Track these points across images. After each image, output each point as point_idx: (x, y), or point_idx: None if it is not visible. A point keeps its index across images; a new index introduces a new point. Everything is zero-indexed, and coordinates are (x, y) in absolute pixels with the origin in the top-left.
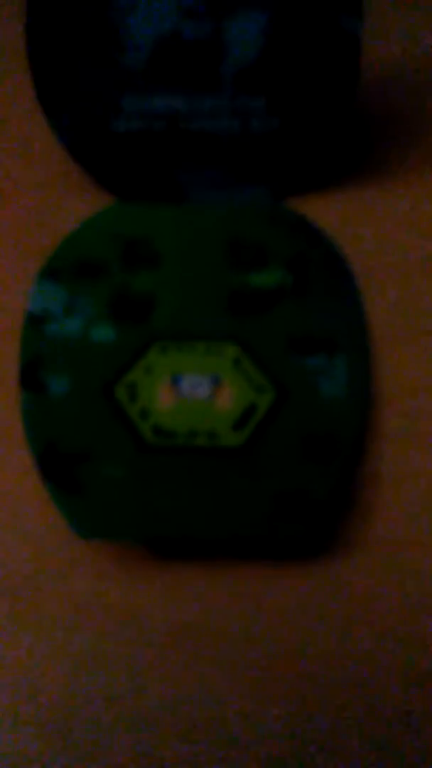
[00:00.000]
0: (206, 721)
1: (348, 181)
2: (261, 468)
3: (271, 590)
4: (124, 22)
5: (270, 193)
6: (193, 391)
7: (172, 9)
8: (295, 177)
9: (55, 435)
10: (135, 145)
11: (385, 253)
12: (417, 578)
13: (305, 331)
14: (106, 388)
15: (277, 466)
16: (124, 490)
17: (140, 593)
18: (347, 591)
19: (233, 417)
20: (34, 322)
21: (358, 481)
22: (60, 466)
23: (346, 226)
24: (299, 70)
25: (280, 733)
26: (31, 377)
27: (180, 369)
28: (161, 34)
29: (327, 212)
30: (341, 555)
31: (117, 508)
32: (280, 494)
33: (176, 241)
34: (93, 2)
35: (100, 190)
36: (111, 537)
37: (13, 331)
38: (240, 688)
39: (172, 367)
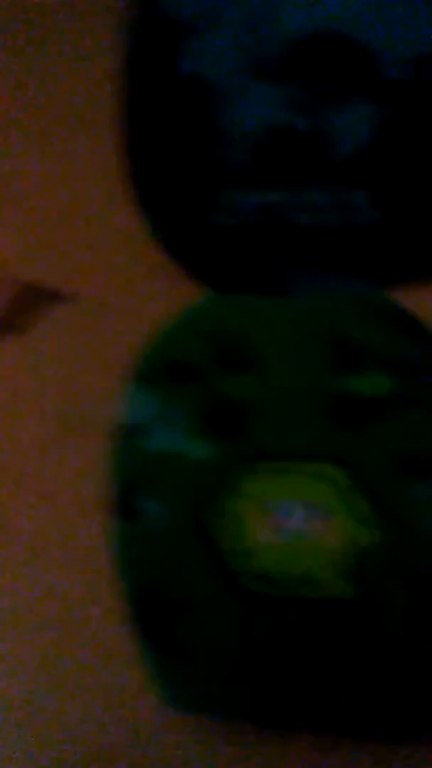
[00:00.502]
0: None
1: None
2: (378, 625)
3: None
4: (224, 114)
5: (374, 287)
6: (292, 522)
7: (275, 101)
8: (400, 272)
9: (155, 578)
10: (232, 239)
11: None
12: None
13: (416, 450)
14: (202, 519)
15: (397, 622)
16: (223, 653)
17: None
18: None
19: (341, 560)
20: (130, 436)
21: None
22: (159, 619)
23: None
24: (407, 163)
25: None
26: (127, 503)
27: (278, 495)
28: (263, 128)
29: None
30: None
31: (214, 678)
32: (403, 656)
33: (275, 338)
34: (193, 94)
35: (195, 285)
36: (213, 713)
37: (98, 444)
38: None
39: (271, 494)
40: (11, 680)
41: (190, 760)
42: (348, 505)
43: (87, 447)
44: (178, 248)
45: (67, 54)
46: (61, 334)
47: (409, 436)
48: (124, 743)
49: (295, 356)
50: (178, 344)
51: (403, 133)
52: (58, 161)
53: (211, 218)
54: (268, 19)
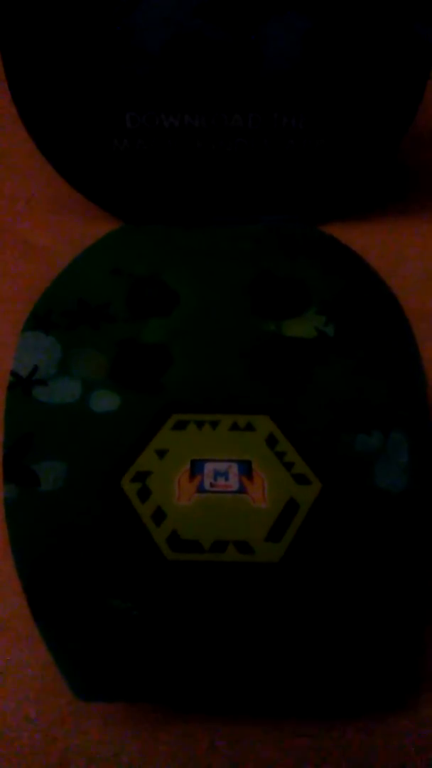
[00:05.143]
0: None
1: (395, 206)
2: (308, 590)
3: (325, 746)
4: (127, 21)
5: (304, 220)
6: (218, 482)
7: (187, 6)
8: (335, 204)
9: (54, 550)
10: (141, 167)
11: None
12: None
13: (353, 399)
14: (111, 480)
15: (328, 585)
16: (135, 632)
17: (154, 754)
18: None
19: (268, 520)
20: (20, 387)
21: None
22: (53, 597)
23: (393, 261)
24: (350, 82)
25: None
26: (17, 465)
27: (201, 452)
28: (174, 37)
29: (369, 244)
30: (419, 702)
31: (125, 660)
32: (336, 625)
33: (192, 276)
34: None
35: (105, 215)
36: (118, 700)
37: None
38: None
39: (192, 450)
40: None
41: (98, 746)
42: (281, 461)
43: None
44: (81, 178)
45: None
46: None
47: (347, 384)
48: (29, 730)
49: (215, 296)
50: (82, 283)
51: (337, 47)
52: None
53: (116, 143)
54: None
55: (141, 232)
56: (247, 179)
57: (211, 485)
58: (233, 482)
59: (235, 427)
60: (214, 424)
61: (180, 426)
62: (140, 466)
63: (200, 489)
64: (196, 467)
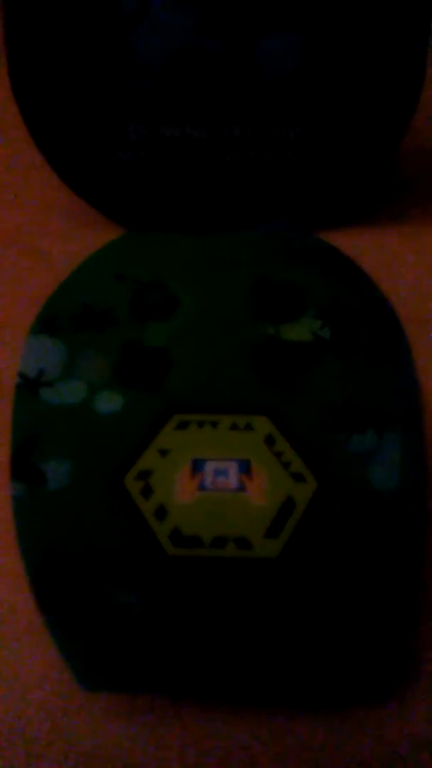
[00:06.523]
0: None
1: (389, 213)
2: (305, 584)
3: (324, 743)
4: (131, 36)
5: (301, 227)
6: (219, 480)
7: (189, 21)
8: (331, 211)
9: (59, 545)
10: (144, 177)
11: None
12: None
13: (348, 400)
14: (115, 478)
15: (324, 580)
16: (139, 624)
17: (156, 745)
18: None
19: (267, 517)
20: (28, 388)
21: (423, 600)
22: (65, 591)
23: (387, 268)
24: (345, 94)
25: None
26: (24, 464)
27: (202, 451)
28: (176, 52)
29: (363, 250)
30: (406, 697)
31: (129, 651)
32: (332, 619)
33: (193, 281)
34: (89, 12)
35: (109, 223)
36: (123, 691)
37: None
38: None
39: (193, 449)
40: None
41: (101, 736)
42: (279, 459)
43: None
44: (86, 187)
45: None
46: None
47: (342, 386)
48: (33, 720)
49: (215, 300)
50: (87, 288)
51: (333, 60)
52: None
53: (120, 154)
54: None
55: (144, 239)
56: (247, 188)
57: (212, 483)
58: (233, 480)
59: (234, 427)
60: (215, 424)
61: (182, 426)
62: (143, 465)
63: (201, 487)
64: (197, 466)
